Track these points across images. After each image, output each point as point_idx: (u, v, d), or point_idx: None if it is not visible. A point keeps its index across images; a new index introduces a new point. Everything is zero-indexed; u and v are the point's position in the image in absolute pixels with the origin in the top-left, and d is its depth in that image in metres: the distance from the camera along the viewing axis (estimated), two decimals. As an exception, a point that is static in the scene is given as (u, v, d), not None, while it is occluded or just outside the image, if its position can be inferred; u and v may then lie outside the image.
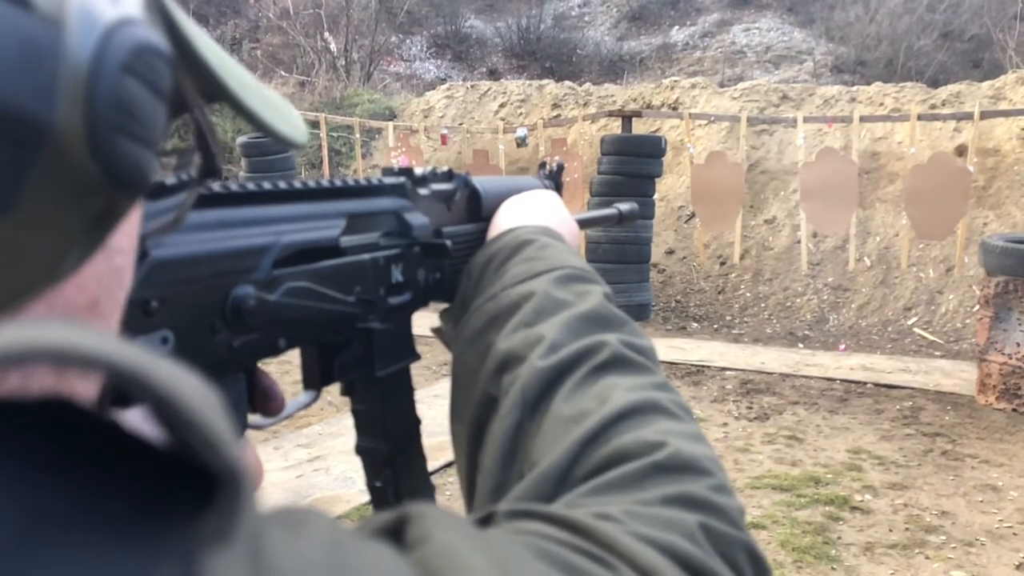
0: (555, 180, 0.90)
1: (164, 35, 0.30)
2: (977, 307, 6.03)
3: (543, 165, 0.90)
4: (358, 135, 10.16)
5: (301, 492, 3.92)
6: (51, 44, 0.24)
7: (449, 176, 0.77)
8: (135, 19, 0.27)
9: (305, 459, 4.31)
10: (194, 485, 0.23)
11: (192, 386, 0.23)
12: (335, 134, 10.91)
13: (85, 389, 0.27)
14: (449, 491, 3.74)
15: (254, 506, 0.24)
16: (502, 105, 11.14)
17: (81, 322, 0.26)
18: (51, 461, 0.22)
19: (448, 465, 3.79)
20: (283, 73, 15.01)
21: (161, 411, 0.22)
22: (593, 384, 0.53)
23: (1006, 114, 7.79)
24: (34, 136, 0.24)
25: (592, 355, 0.55)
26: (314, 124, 10.43)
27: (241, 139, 9.64)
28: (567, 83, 11.38)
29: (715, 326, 7.88)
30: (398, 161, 9.43)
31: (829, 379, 5.96)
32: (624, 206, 1.02)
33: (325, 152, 10.15)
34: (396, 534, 0.34)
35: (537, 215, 0.75)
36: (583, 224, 0.88)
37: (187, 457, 0.23)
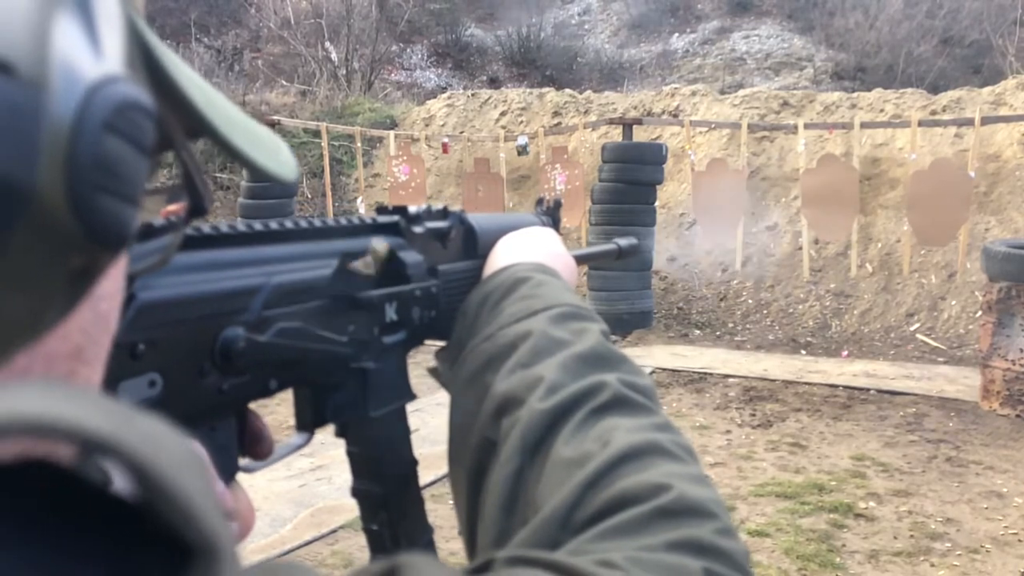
0: (552, 216, 0.89)
1: (147, 85, 0.29)
2: (979, 313, 6.02)
3: (540, 201, 0.90)
4: (359, 144, 10.18)
5: (304, 501, 3.92)
6: (33, 108, 0.24)
7: (444, 214, 0.76)
8: (117, 76, 0.27)
9: (308, 468, 4.30)
10: (173, 548, 0.23)
11: (172, 450, 0.22)
12: (336, 143, 10.93)
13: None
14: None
15: (235, 571, 0.24)
16: (503, 113, 11.15)
17: (58, 382, 0.26)
18: (29, 526, 0.21)
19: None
20: (284, 82, 15.03)
21: (138, 479, 0.22)
22: (594, 426, 0.52)
23: (1007, 119, 7.80)
24: (15, 199, 0.24)
25: (592, 396, 0.54)
26: (315, 133, 10.45)
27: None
28: (567, 91, 11.39)
29: (717, 333, 7.87)
30: (399, 170, 9.45)
31: (832, 386, 5.95)
32: (623, 241, 1.02)
33: (326, 161, 10.16)
34: None
35: (533, 252, 0.74)
36: (580, 260, 0.87)
37: (163, 525, 0.22)
